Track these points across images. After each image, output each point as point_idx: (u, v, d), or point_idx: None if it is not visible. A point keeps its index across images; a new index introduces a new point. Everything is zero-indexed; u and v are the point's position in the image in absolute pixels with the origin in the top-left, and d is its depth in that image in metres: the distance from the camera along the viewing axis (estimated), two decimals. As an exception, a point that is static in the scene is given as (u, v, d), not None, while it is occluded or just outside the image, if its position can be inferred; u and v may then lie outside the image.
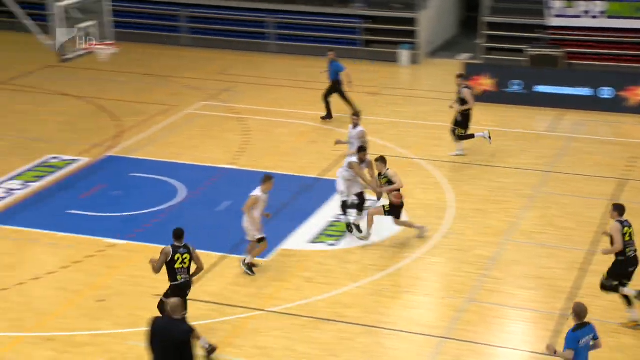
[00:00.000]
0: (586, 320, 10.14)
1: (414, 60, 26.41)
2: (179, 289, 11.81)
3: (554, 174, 18.19)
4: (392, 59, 26.37)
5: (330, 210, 16.53)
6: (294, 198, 17.05)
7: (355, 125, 16.68)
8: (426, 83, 25.34)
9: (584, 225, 15.84)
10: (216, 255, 14.75)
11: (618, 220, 12.42)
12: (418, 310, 13.36)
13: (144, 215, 16.10)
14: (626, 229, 12.38)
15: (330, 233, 15.70)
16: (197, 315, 12.95)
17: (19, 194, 16.94)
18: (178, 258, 11.80)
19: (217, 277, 14.14)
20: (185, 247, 11.88)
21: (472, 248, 15.14)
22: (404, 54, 26.29)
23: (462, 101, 18.60)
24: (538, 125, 21.16)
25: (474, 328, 12.80)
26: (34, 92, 22.97)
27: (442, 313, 13.28)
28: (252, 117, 21.35)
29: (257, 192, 13.90)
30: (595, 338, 10.19)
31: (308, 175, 18.16)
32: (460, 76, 19.19)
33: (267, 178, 13.97)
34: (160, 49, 27.56)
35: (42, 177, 17.78)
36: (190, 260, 11.91)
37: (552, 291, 13.73)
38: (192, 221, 15.96)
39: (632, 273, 12.51)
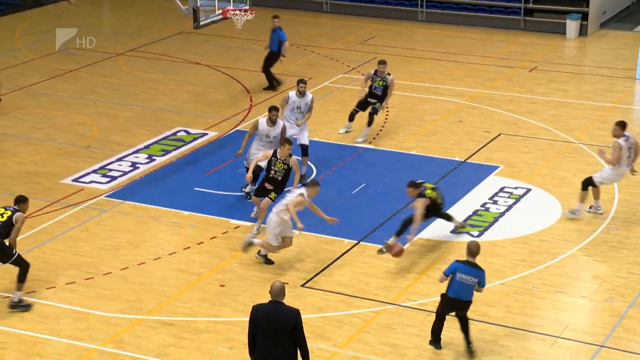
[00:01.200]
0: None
1: (582, 32, 25.64)
2: None
3: None
4: (557, 30, 25.70)
5: (476, 198, 16.33)
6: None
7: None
8: (595, 58, 24.56)
9: None
10: (348, 242, 14.86)
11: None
12: (572, 314, 13.04)
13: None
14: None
15: (476, 223, 15.52)
16: (323, 306, 13.12)
17: (144, 169, 17.59)
18: None
19: (347, 265, 14.25)
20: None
21: (638, 246, 14.61)
22: (571, 25, 25.54)
23: None
24: None
25: (636, 337, 12.38)
26: (164, 60, 23.75)
27: (600, 318, 12.90)
28: (394, 92, 21.22)
29: (305, 193, 13.75)
30: (481, 285, 11.81)
31: (453, 159, 18.00)
32: None
33: (313, 183, 13.92)
34: (299, 15, 27.90)
35: (168, 151, 18.39)
36: None
37: None
38: (324, 204, 16.09)
39: None
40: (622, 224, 15.33)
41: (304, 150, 16.91)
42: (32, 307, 13.01)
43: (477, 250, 11.91)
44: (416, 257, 14.47)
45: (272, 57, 21.59)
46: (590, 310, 13.20)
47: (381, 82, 18.35)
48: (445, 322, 12.11)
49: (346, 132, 18.97)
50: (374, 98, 18.55)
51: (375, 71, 18.47)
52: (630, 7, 28.05)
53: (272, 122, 15.76)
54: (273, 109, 15.82)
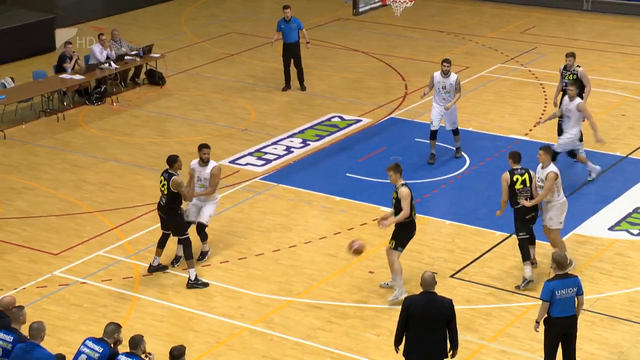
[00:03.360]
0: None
1: None
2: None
3: None
4: None
5: (637, 195, 15.75)
6: (597, 178, 16.41)
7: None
8: None
9: None
10: (499, 234, 14.62)
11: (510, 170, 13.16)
12: None
13: (424, 185, 16.30)
14: (517, 176, 13.05)
15: (635, 221, 14.96)
16: (472, 298, 12.97)
17: (298, 153, 17.83)
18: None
19: (498, 258, 14.02)
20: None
21: None
22: None
23: None
24: None
25: None
26: (321, 46, 23.95)
27: None
28: (554, 83, 20.71)
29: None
30: (579, 293, 10.63)
31: (614, 153, 17.39)
32: None
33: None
34: (458, 3, 27.57)
35: (322, 136, 18.57)
36: None
37: None
38: (474, 195, 15.98)
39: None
40: None
41: (455, 132, 17.09)
42: (208, 286, 13.29)
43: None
44: (572, 254, 14.08)
45: (296, 48, 20.58)
46: None
47: (571, 75, 16.83)
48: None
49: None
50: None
51: (565, 66, 16.91)
52: None
53: (203, 162, 13.92)
54: (203, 147, 13.89)
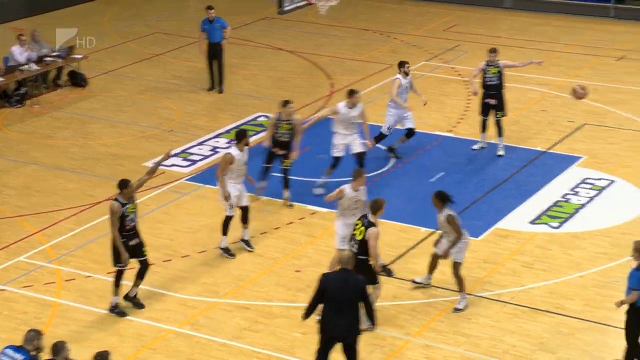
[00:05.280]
0: None
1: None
2: None
3: None
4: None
5: (557, 189, 16.05)
6: (517, 172, 16.68)
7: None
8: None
9: None
10: (424, 230, 14.76)
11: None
12: (652, 310, 12.69)
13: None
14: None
15: (555, 214, 15.24)
16: (399, 294, 13.07)
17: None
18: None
19: (423, 254, 14.13)
20: None
21: None
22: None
23: None
24: None
25: None
26: (247, 45, 23.89)
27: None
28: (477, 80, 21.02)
29: (347, 188, 12.90)
30: None
31: (535, 148, 17.70)
32: None
33: (357, 173, 12.97)
34: (382, 1, 27.76)
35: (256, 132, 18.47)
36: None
37: None
38: (401, 191, 16.10)
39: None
40: None
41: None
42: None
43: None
44: (494, 248, 14.30)
45: (220, 48, 20.52)
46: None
47: (495, 69, 17.04)
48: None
49: (481, 147, 17.49)
50: (492, 90, 17.09)
51: (488, 61, 17.16)
52: None
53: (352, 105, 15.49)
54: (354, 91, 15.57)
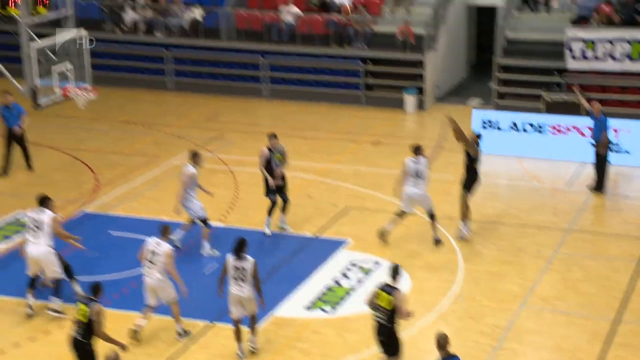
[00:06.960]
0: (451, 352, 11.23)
1: (421, 106, 26.58)
2: None
3: (575, 233, 18.20)
4: (396, 104, 26.55)
5: (328, 272, 16.50)
6: (288, 259, 17.02)
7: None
8: (434, 131, 25.43)
9: (608, 290, 15.80)
10: (201, 323, 14.65)
11: None
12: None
13: (122, 280, 16.04)
14: None
15: (327, 299, 15.64)
16: None
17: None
18: None
19: (202, 349, 14.03)
20: None
21: (484, 315, 15.06)
22: (410, 99, 26.47)
23: None
24: (556, 178, 21.22)
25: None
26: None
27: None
28: (242, 168, 21.37)
29: None
30: None
31: (303, 234, 18.14)
32: None
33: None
34: (141, 93, 27.77)
35: (8, 237, 17.73)
36: None
37: (574, 364, 13.65)
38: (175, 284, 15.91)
39: None
40: (467, 292, 15.77)
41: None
42: None
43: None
44: (273, 337, 14.40)
45: (18, 133, 20.89)
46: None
47: (278, 155, 17.51)
48: None
49: (282, 229, 18.14)
50: (280, 179, 17.73)
51: (270, 148, 17.56)
52: (464, 81, 29.36)
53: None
54: None
